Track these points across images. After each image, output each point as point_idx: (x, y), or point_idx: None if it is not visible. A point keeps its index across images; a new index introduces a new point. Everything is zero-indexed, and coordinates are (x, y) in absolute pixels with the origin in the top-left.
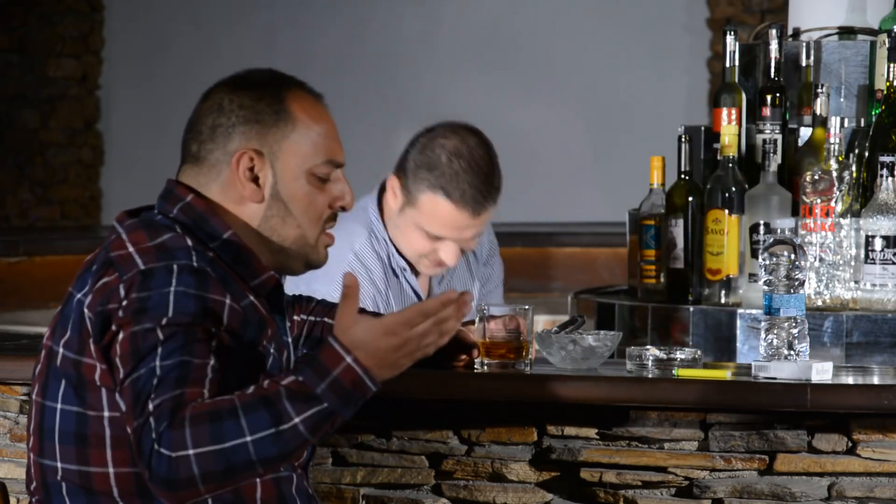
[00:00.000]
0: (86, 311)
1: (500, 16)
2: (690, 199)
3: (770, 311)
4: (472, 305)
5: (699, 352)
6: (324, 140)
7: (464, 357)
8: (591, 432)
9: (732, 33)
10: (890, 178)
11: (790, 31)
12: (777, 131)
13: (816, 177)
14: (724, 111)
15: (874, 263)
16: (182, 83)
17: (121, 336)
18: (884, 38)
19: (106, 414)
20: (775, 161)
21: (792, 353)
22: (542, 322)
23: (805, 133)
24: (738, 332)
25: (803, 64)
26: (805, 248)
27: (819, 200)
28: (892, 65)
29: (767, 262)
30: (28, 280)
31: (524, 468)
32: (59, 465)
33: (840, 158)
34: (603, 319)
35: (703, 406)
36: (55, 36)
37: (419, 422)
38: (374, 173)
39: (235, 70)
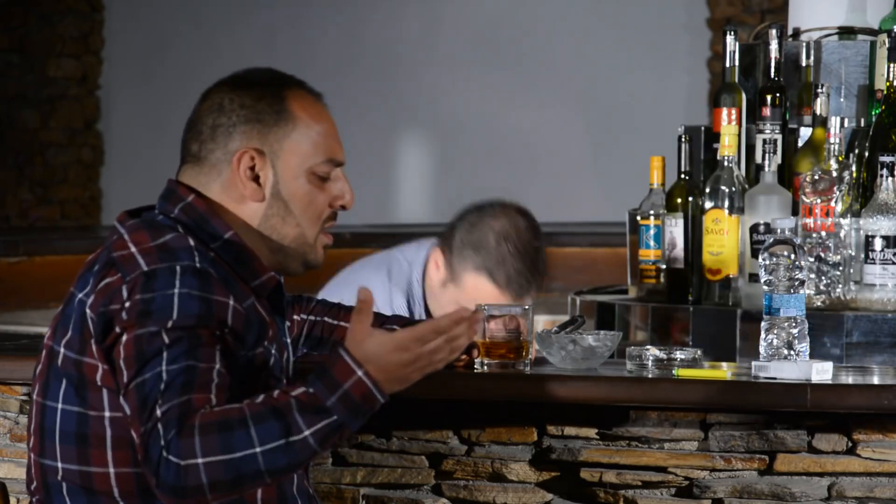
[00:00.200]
0: (88, 311)
1: (500, 16)
2: (690, 199)
3: (770, 311)
4: None
5: (699, 352)
6: (324, 139)
7: (464, 357)
8: (591, 432)
9: (732, 33)
10: (890, 178)
11: (790, 31)
12: (777, 131)
13: (816, 177)
14: (724, 111)
15: (874, 263)
16: (182, 83)
17: (124, 338)
18: (884, 38)
19: (107, 414)
20: (775, 161)
21: (792, 353)
22: (542, 322)
23: (805, 133)
24: (738, 332)
25: (803, 64)
26: (805, 248)
27: (819, 200)
28: (892, 65)
29: (767, 262)
30: (28, 280)
31: (524, 468)
32: (59, 465)
33: (840, 158)
34: (603, 319)
35: (703, 406)
36: (55, 36)
37: (419, 422)
38: (374, 173)
39: (235, 70)
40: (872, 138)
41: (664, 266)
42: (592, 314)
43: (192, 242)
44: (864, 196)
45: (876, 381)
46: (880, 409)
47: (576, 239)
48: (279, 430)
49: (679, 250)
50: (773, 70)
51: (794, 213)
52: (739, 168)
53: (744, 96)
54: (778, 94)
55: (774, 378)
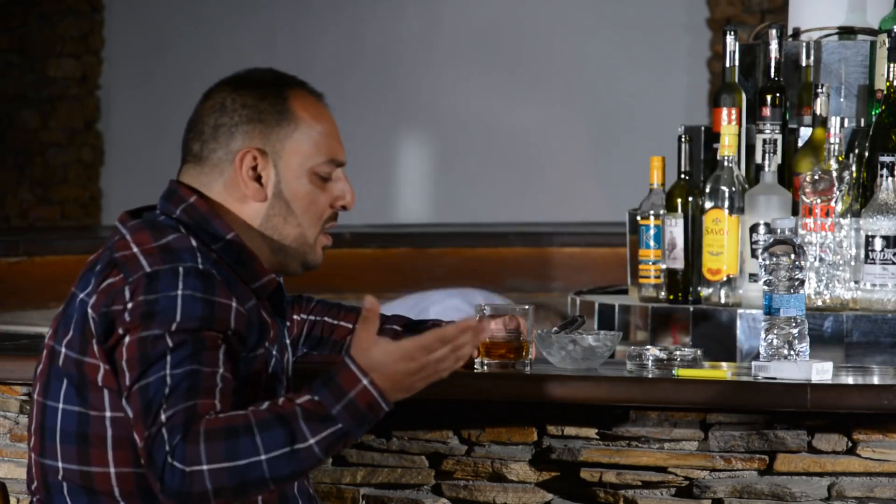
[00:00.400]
0: (89, 311)
1: (500, 16)
2: (690, 199)
3: (770, 311)
4: None
5: (699, 352)
6: (325, 139)
7: None
8: (591, 432)
9: (732, 33)
10: (890, 178)
11: (790, 31)
12: (777, 131)
13: (816, 177)
14: (724, 111)
15: (874, 263)
16: (182, 83)
17: (127, 340)
18: (884, 38)
19: (108, 414)
20: (775, 161)
21: (792, 353)
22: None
23: (805, 133)
24: (738, 332)
25: (803, 64)
26: (805, 248)
27: (819, 200)
28: (892, 65)
29: (767, 262)
30: (28, 280)
31: (524, 468)
32: (60, 464)
33: (840, 158)
34: (603, 319)
35: (703, 406)
36: (55, 36)
37: (419, 422)
38: (374, 173)
39: (236, 70)
40: (872, 138)
41: (664, 266)
42: (592, 314)
43: (194, 243)
44: (864, 196)
45: (876, 381)
46: (880, 409)
47: (576, 239)
48: (284, 438)
49: (679, 250)
50: (773, 70)
51: (794, 213)
52: (739, 168)
53: (744, 96)
54: (778, 94)
55: (774, 378)
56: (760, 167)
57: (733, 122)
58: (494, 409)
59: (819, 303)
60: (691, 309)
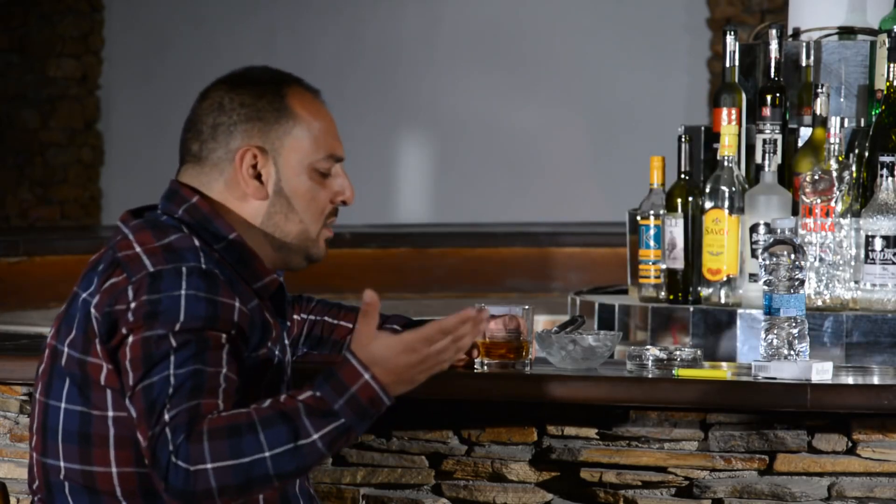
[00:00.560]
0: (92, 310)
1: (500, 16)
2: (690, 199)
3: (770, 311)
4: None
5: (699, 352)
6: (324, 135)
7: (464, 357)
8: (591, 432)
9: (732, 33)
10: (890, 178)
11: (790, 31)
12: (777, 131)
13: (816, 177)
14: (724, 111)
15: (874, 263)
16: (182, 83)
17: (130, 340)
18: (884, 38)
19: (110, 414)
20: (775, 161)
21: (792, 353)
22: (541, 322)
23: (805, 133)
24: (738, 332)
25: (803, 64)
26: (805, 248)
27: (819, 200)
28: (892, 65)
29: (767, 262)
30: (28, 280)
31: (524, 468)
32: (62, 464)
33: (840, 158)
34: (603, 319)
35: (703, 406)
36: (55, 36)
37: (419, 422)
38: (374, 173)
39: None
40: (872, 138)
41: (664, 266)
42: (592, 314)
43: (197, 243)
44: (864, 196)
45: (876, 381)
46: (880, 409)
47: (576, 239)
48: (288, 435)
49: (679, 250)
50: (773, 70)
51: (794, 213)
52: (739, 168)
53: (744, 96)
54: (778, 94)
55: (774, 378)
56: (760, 167)
57: (733, 122)
58: (494, 409)
59: (819, 303)
60: (691, 309)
